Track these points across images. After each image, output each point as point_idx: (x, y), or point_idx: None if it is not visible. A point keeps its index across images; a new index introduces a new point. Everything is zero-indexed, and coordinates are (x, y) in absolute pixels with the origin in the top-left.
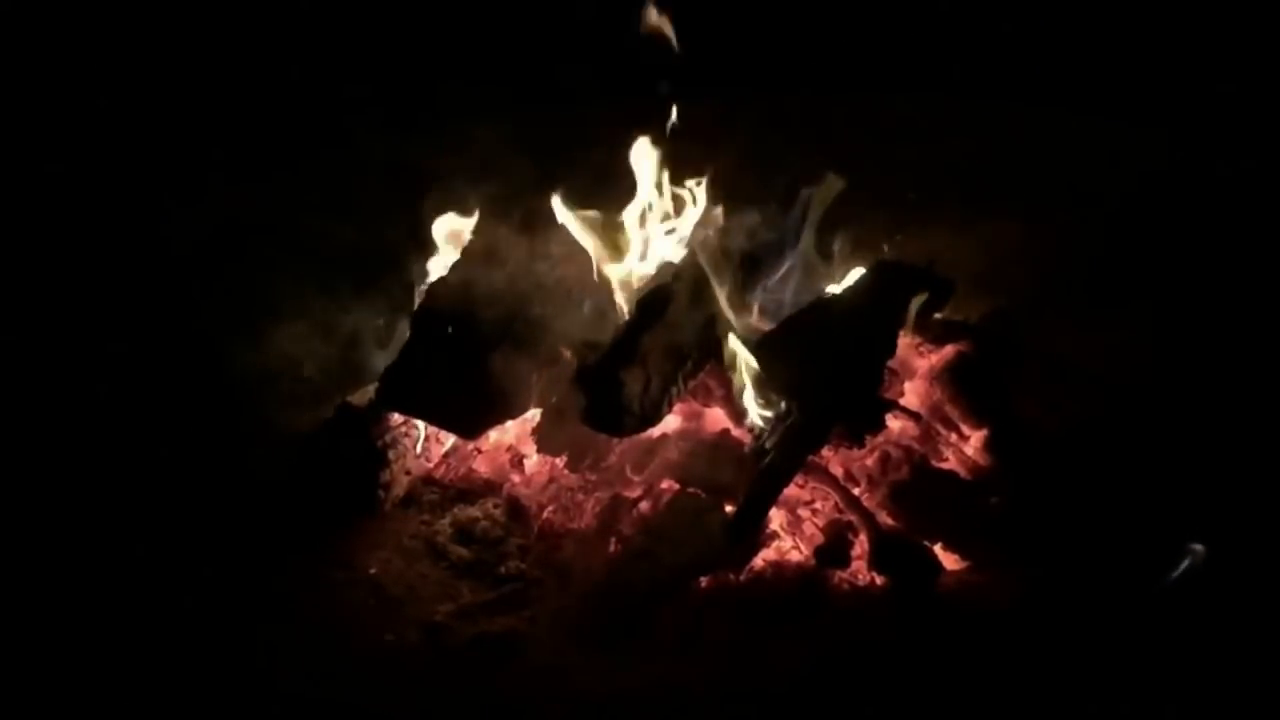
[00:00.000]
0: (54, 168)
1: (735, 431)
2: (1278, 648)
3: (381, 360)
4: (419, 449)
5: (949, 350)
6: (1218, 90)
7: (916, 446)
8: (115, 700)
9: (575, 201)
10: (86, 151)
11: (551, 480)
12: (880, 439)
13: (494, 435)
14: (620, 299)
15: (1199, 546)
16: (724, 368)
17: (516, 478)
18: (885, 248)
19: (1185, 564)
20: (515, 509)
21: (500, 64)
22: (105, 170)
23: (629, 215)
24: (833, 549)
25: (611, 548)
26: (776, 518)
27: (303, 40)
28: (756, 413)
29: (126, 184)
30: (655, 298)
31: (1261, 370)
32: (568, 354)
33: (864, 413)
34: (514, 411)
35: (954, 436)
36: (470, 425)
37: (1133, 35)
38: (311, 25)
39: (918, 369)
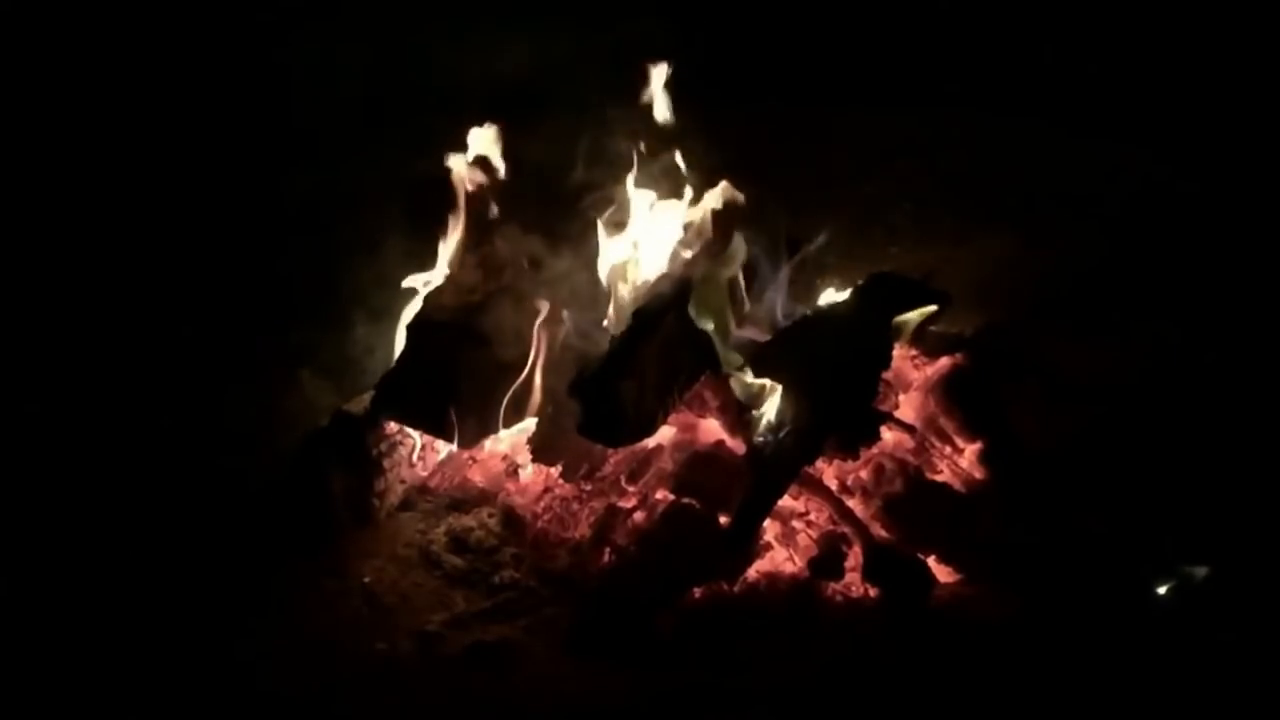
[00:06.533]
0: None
1: (730, 442)
2: (1269, 664)
3: (378, 368)
4: (414, 457)
5: (944, 363)
6: (1212, 106)
7: (911, 459)
8: (110, 706)
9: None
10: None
11: (546, 490)
12: (875, 451)
13: (489, 444)
14: (617, 309)
15: (1200, 568)
16: (720, 378)
17: (511, 487)
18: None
19: (1178, 581)
20: (510, 518)
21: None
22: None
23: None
24: (826, 561)
25: (606, 558)
26: (771, 529)
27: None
28: (754, 423)
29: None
30: (651, 308)
31: (1258, 383)
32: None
33: (859, 424)
34: (509, 421)
35: (948, 449)
36: (466, 434)
37: (1127, 53)
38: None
39: (913, 381)
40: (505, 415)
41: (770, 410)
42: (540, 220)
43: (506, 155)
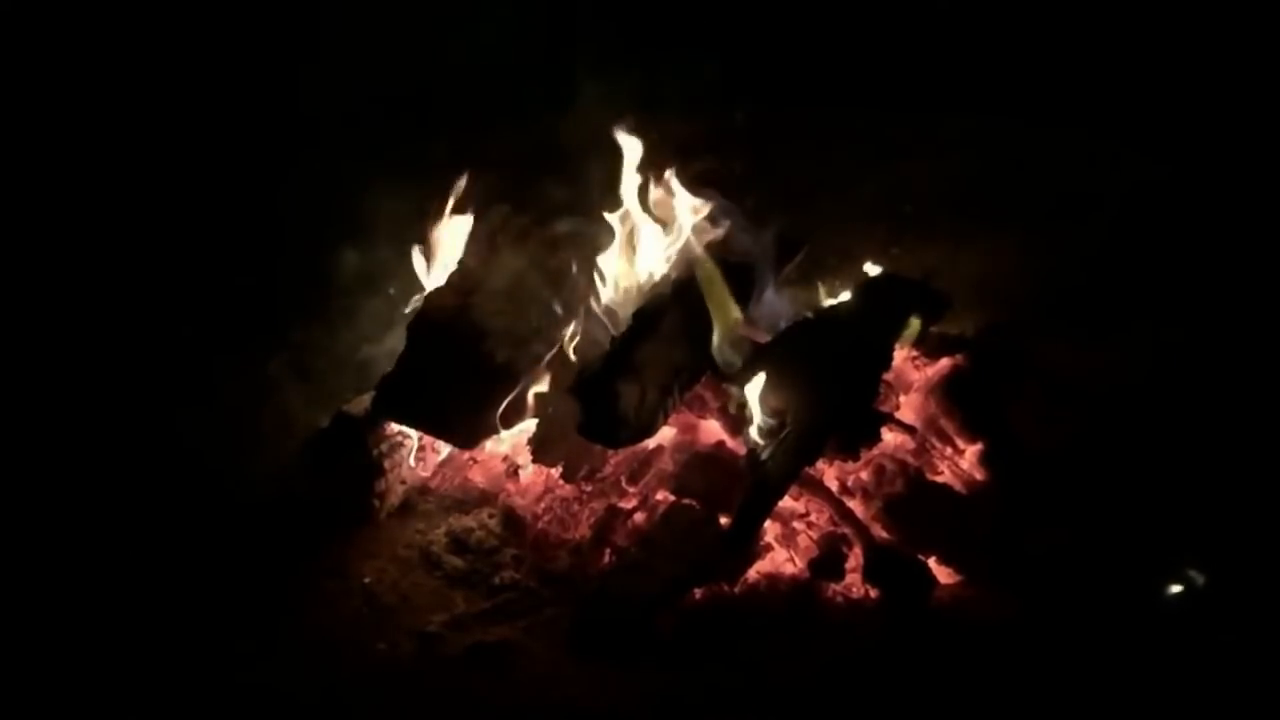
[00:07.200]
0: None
1: (730, 443)
2: (1268, 667)
3: (379, 369)
4: (414, 458)
5: (945, 364)
6: (1212, 105)
7: (911, 460)
8: (112, 706)
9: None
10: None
11: (547, 491)
12: (875, 452)
13: (490, 445)
14: (618, 310)
15: (1198, 573)
16: (719, 380)
17: (512, 488)
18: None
19: (1180, 585)
20: (510, 519)
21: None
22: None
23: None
24: (827, 561)
25: (606, 559)
26: (771, 530)
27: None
28: (753, 424)
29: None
30: (652, 310)
31: (1258, 384)
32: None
33: (859, 425)
34: (510, 422)
35: (949, 450)
36: (466, 435)
37: (1127, 52)
38: None
39: (913, 382)
40: (505, 415)
41: (754, 400)
42: (542, 215)
43: (506, 150)
